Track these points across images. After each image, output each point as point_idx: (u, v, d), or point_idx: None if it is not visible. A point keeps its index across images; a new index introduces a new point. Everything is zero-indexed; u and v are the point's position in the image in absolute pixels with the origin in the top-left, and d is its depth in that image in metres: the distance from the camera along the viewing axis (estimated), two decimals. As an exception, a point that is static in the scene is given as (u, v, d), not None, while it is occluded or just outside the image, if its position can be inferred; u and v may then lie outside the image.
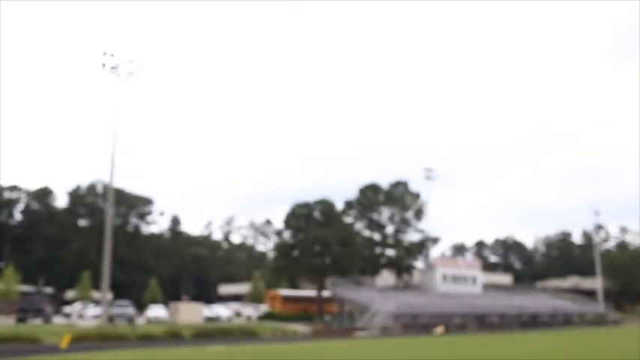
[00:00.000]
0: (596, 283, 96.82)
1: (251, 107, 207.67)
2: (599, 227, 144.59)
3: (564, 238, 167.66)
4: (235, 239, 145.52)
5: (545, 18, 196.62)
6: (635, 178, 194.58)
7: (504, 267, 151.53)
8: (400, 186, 75.60)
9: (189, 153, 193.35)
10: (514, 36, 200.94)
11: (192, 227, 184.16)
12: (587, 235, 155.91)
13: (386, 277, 76.62)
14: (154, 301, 78.29)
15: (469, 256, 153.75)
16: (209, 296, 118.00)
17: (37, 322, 53.35)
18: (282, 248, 69.36)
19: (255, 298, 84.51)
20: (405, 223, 74.48)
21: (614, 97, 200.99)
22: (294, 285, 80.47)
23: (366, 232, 74.11)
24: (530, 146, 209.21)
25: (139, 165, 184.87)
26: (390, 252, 73.04)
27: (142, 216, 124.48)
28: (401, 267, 73.26)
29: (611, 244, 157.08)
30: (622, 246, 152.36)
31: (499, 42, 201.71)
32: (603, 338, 43.74)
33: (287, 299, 69.52)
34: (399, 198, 74.54)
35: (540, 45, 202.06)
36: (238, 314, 71.13)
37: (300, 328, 52.96)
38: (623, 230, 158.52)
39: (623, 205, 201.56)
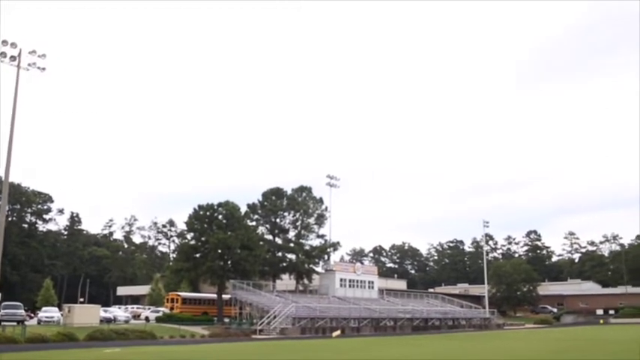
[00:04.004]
0: (483, 289, 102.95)
1: (157, 108, 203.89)
2: (488, 237, 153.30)
3: (456, 246, 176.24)
4: (136, 240, 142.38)
5: (451, 45, 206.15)
6: (521, 193, 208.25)
7: (400, 273, 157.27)
8: (303, 191, 77.18)
9: (93, 151, 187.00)
10: (423, 52, 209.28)
11: (92, 226, 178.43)
12: (476, 244, 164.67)
13: (286, 281, 78.03)
14: (48, 303, 75.75)
15: (367, 262, 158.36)
16: (107, 298, 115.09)
17: None
18: (184, 250, 69.09)
19: (154, 300, 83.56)
20: (306, 228, 76.13)
21: (507, 122, 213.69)
22: (194, 287, 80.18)
23: (269, 236, 75.20)
24: (429, 161, 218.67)
25: (38, 161, 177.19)
26: (292, 256, 74.42)
27: (39, 213, 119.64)
28: (301, 271, 74.79)
29: (498, 253, 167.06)
30: (507, 255, 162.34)
31: (408, 57, 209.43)
32: (484, 340, 47.24)
33: (187, 301, 69.29)
34: (302, 203, 76.10)
35: (445, 67, 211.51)
36: (136, 316, 70.20)
37: (199, 330, 53.30)
38: (509, 240, 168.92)
39: (510, 217, 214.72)
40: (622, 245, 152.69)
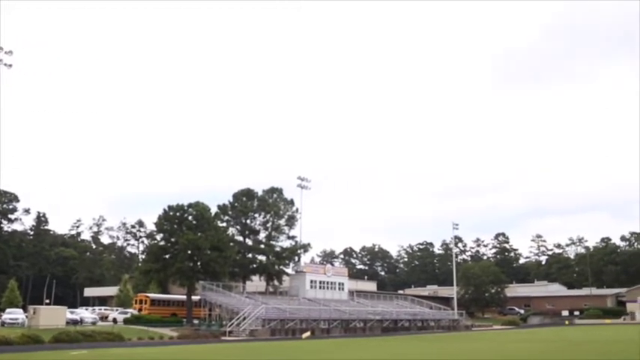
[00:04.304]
0: (452, 291, 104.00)
1: (127, 108, 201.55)
2: (457, 239, 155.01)
3: (426, 248, 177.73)
4: (105, 240, 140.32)
5: (422, 49, 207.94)
6: (490, 196, 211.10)
7: (370, 274, 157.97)
8: (274, 193, 77.02)
9: (60, 150, 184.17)
10: (395, 55, 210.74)
11: (59, 227, 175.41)
12: (446, 246, 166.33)
13: (256, 282, 77.76)
14: (13, 304, 74.30)
15: (337, 263, 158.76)
16: (74, 299, 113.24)
17: None
18: (153, 251, 68.32)
19: (122, 301, 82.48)
20: (277, 230, 75.97)
21: (478, 126, 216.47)
22: (164, 288, 79.41)
23: (239, 237, 74.84)
24: (400, 163, 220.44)
25: (4, 159, 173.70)
26: (262, 257, 74.21)
27: (5, 213, 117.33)
28: (272, 272, 74.60)
29: (467, 255, 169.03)
30: (476, 257, 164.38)
31: (380, 59, 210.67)
32: (452, 342, 47.75)
33: (156, 302, 68.52)
34: (273, 204, 75.90)
35: (417, 71, 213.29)
36: (104, 318, 69.26)
37: (168, 332, 52.88)
38: (478, 242, 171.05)
39: (479, 220, 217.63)
40: (587, 248, 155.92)
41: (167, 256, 65.22)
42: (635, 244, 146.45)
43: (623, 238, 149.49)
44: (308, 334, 56.97)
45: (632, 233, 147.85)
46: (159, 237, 68.57)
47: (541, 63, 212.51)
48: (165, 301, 70.63)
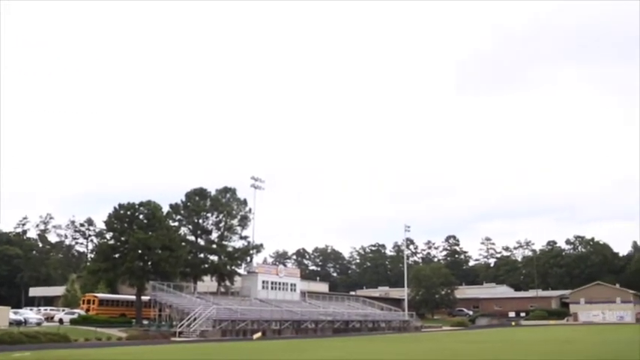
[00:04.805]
0: (403, 292, 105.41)
1: (76, 104, 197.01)
2: (409, 241, 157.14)
3: (378, 250, 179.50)
4: (52, 239, 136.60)
5: (384, 51, 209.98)
6: (442, 199, 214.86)
7: (322, 275, 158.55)
8: (227, 192, 76.52)
9: (6, 146, 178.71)
10: (355, 57, 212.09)
11: (4, 225, 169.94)
12: (398, 248, 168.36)
13: (208, 283, 77.19)
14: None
15: (290, 264, 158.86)
16: (19, 299, 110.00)
17: None
18: (102, 250, 67.00)
19: (69, 301, 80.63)
20: (230, 230, 75.51)
21: (433, 130, 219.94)
22: (113, 288, 77.98)
23: (191, 237, 74.09)
24: (354, 165, 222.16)
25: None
26: (214, 257, 73.65)
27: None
28: (223, 273, 74.12)
29: (418, 257, 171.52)
30: (427, 259, 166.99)
31: (340, 62, 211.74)
32: (401, 343, 48.47)
33: (104, 303, 67.25)
34: (226, 204, 75.41)
35: (372, 71, 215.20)
36: (50, 318, 67.63)
37: (116, 332, 52.04)
38: (429, 245, 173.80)
39: (430, 222, 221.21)
40: (534, 251, 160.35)
41: (117, 256, 64.16)
42: (579, 247, 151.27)
43: (568, 242, 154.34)
44: (259, 334, 56.90)
45: (577, 237, 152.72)
46: (108, 236, 67.38)
47: (495, 70, 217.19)
48: (114, 301, 69.47)
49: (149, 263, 64.05)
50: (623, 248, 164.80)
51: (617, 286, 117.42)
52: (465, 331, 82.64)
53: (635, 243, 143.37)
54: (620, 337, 52.90)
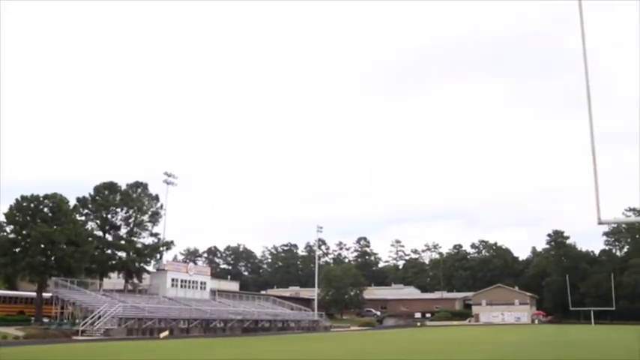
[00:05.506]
0: (314, 292, 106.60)
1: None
2: (321, 242, 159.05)
3: (290, 250, 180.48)
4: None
5: (300, 51, 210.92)
6: (355, 201, 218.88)
7: (234, 274, 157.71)
8: (139, 187, 74.76)
9: None
10: (271, 57, 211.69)
11: None
12: (310, 249, 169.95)
13: (115, 280, 75.15)
14: None
15: (201, 262, 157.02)
16: None
17: None
18: (1, 243, 63.87)
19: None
20: (140, 226, 73.79)
21: (349, 132, 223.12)
22: (11, 285, 74.42)
23: (99, 232, 71.85)
24: (267, 164, 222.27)
25: None
26: (122, 254, 71.69)
27: None
28: (131, 270, 72.35)
29: (329, 258, 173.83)
30: (338, 260, 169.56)
31: (258, 62, 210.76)
32: (309, 342, 49.09)
33: (0, 299, 64.20)
34: (137, 200, 73.64)
35: (291, 70, 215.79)
36: None
37: (12, 331, 49.78)
38: (341, 246, 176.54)
39: (342, 224, 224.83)
40: (441, 254, 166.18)
41: (17, 250, 61.44)
42: (483, 251, 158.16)
43: (473, 246, 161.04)
44: (166, 333, 56.03)
45: (481, 241, 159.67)
46: (9, 229, 64.26)
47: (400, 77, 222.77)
48: (11, 297, 66.37)
49: (52, 258, 61.73)
50: (522, 253, 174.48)
51: (516, 288, 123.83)
52: (372, 331, 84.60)
53: (534, 248, 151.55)
54: (512, 338, 55.87)
